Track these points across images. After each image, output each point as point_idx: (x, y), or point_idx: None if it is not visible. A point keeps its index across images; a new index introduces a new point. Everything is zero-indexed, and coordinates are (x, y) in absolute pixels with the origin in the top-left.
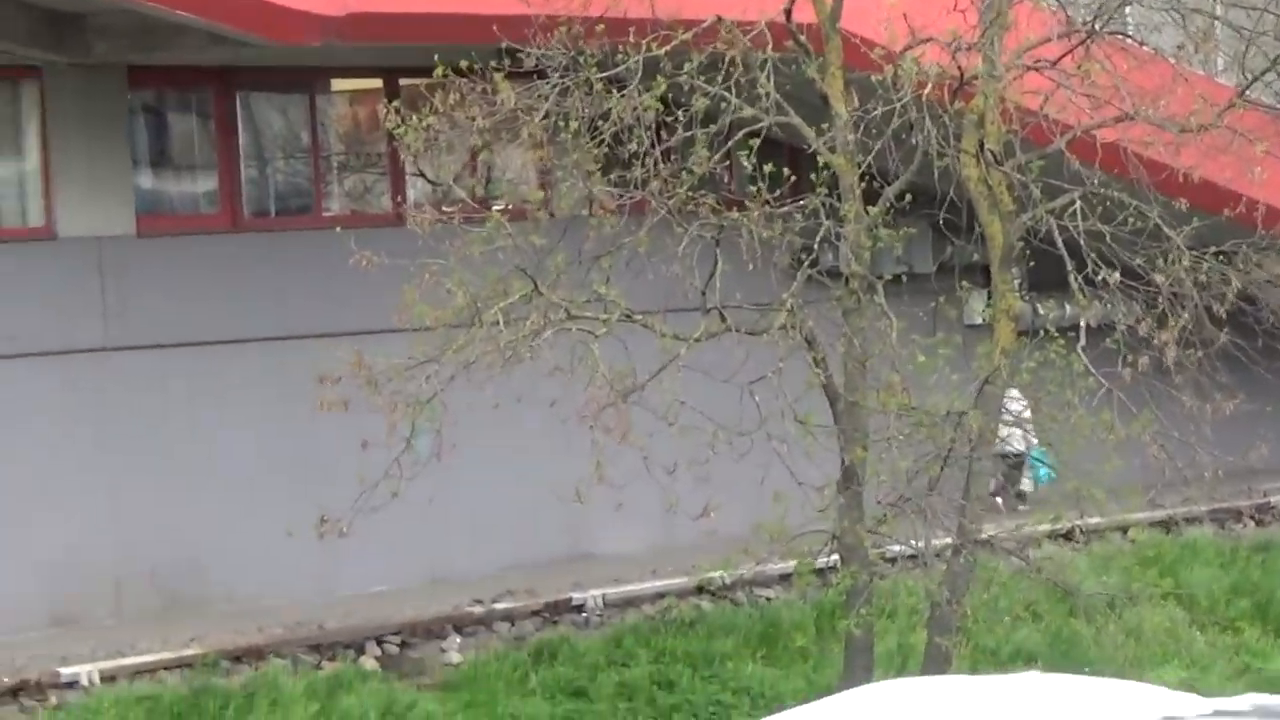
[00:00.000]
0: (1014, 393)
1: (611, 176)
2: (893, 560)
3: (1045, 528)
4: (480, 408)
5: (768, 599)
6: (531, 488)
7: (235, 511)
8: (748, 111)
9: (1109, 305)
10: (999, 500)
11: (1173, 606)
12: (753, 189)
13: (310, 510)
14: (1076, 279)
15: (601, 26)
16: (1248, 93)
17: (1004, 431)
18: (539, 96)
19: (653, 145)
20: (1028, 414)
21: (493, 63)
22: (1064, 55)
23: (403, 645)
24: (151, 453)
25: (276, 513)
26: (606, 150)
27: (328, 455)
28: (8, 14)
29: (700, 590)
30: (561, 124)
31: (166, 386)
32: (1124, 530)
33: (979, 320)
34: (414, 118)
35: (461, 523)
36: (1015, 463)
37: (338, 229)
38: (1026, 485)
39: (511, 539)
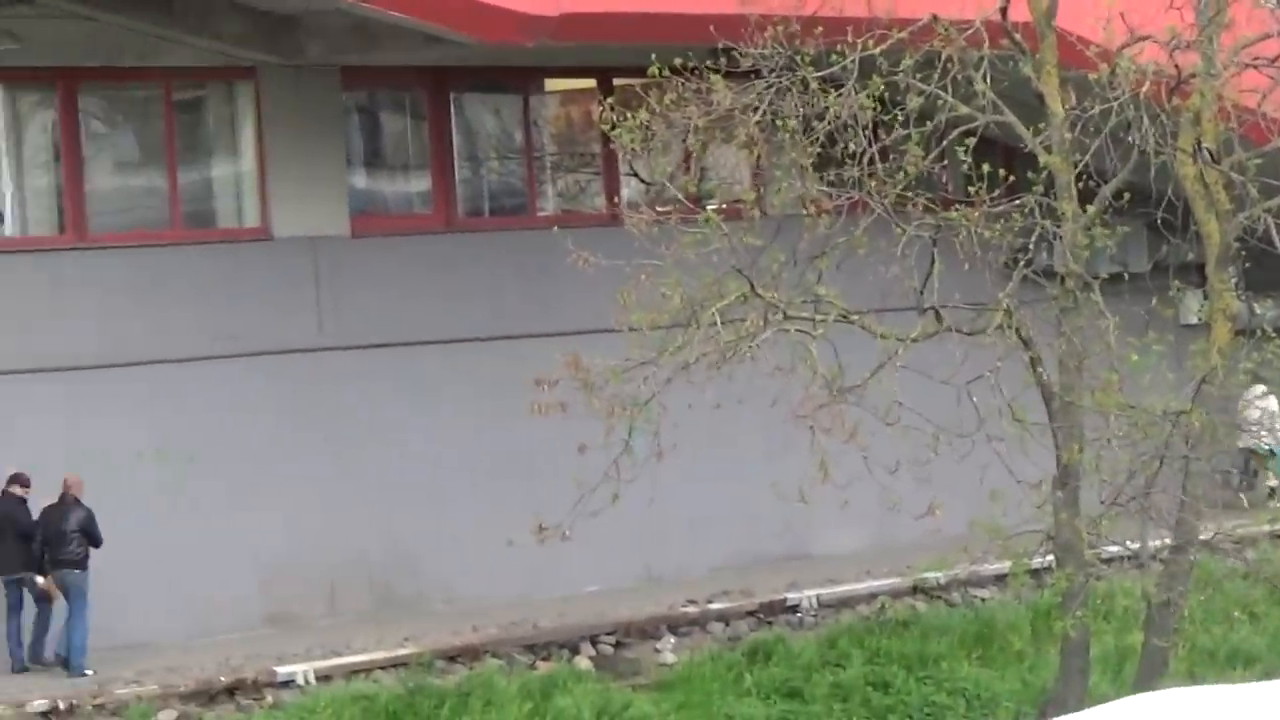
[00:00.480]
0: (1259, 389)
1: (827, 175)
2: (1109, 561)
3: (1266, 528)
4: (698, 408)
5: (983, 599)
6: (747, 487)
7: (449, 511)
8: (963, 110)
9: None
10: (1242, 497)
11: None
12: (969, 188)
13: (524, 510)
14: None
15: (819, 27)
16: None
17: (1253, 425)
18: (755, 96)
19: (869, 144)
20: (1275, 408)
21: (708, 62)
22: None
23: (617, 645)
24: (366, 452)
25: (490, 512)
26: (821, 149)
27: (542, 454)
28: (222, 16)
29: (915, 590)
30: (777, 123)
31: (381, 386)
32: None
33: (1194, 320)
34: (629, 117)
35: (677, 522)
36: (1263, 460)
37: (554, 229)
38: (1275, 482)
39: (727, 539)
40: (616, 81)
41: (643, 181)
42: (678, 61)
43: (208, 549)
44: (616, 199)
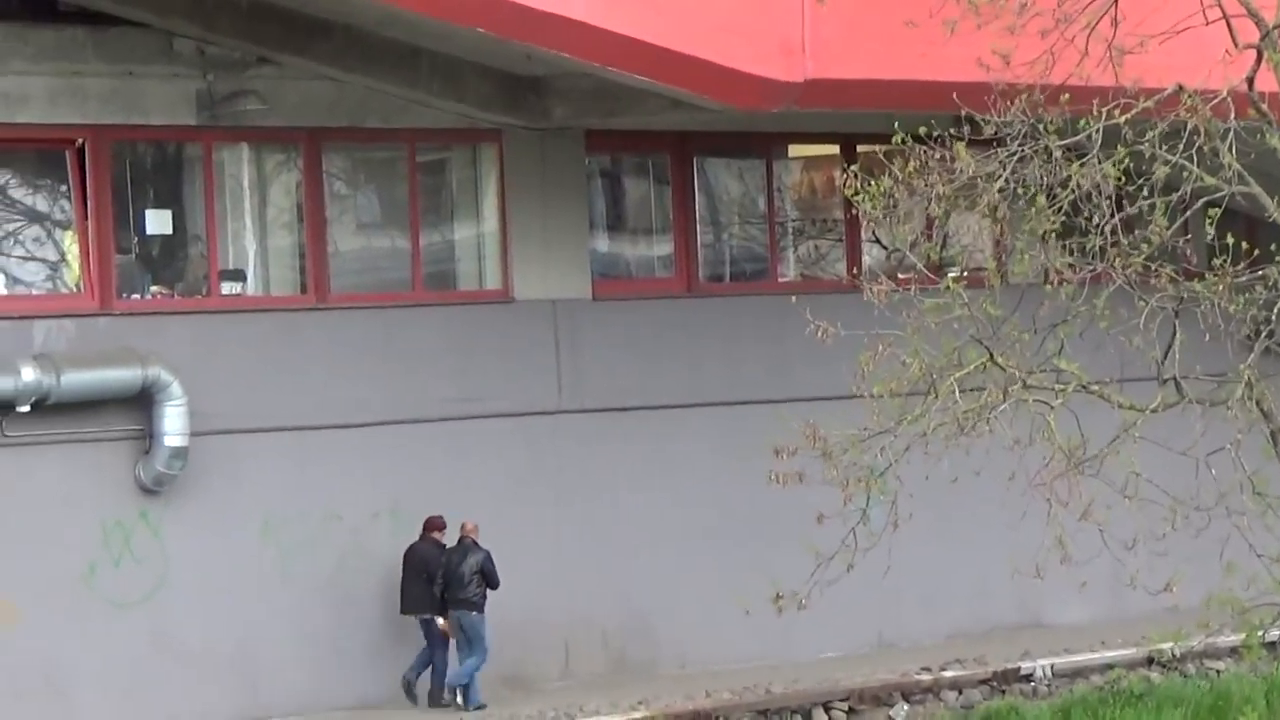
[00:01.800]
0: None
1: (1069, 245)
2: None
3: None
4: (934, 478)
5: (1217, 671)
6: (982, 557)
7: (684, 575)
8: (1208, 181)
9: None
10: None
11: None
12: (1212, 260)
13: (759, 576)
14: None
15: (1065, 95)
16: None
17: None
18: (998, 164)
19: (1112, 214)
20: None
21: (952, 129)
22: None
23: (850, 711)
24: (601, 514)
25: (725, 578)
26: (1064, 219)
27: (778, 521)
28: (467, 79)
29: (1150, 662)
30: (1020, 191)
31: (618, 449)
32: None
33: None
34: (872, 184)
35: (912, 590)
36: None
37: (793, 298)
38: None
39: (961, 607)
40: (860, 148)
41: (884, 248)
42: (921, 129)
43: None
44: (856, 269)
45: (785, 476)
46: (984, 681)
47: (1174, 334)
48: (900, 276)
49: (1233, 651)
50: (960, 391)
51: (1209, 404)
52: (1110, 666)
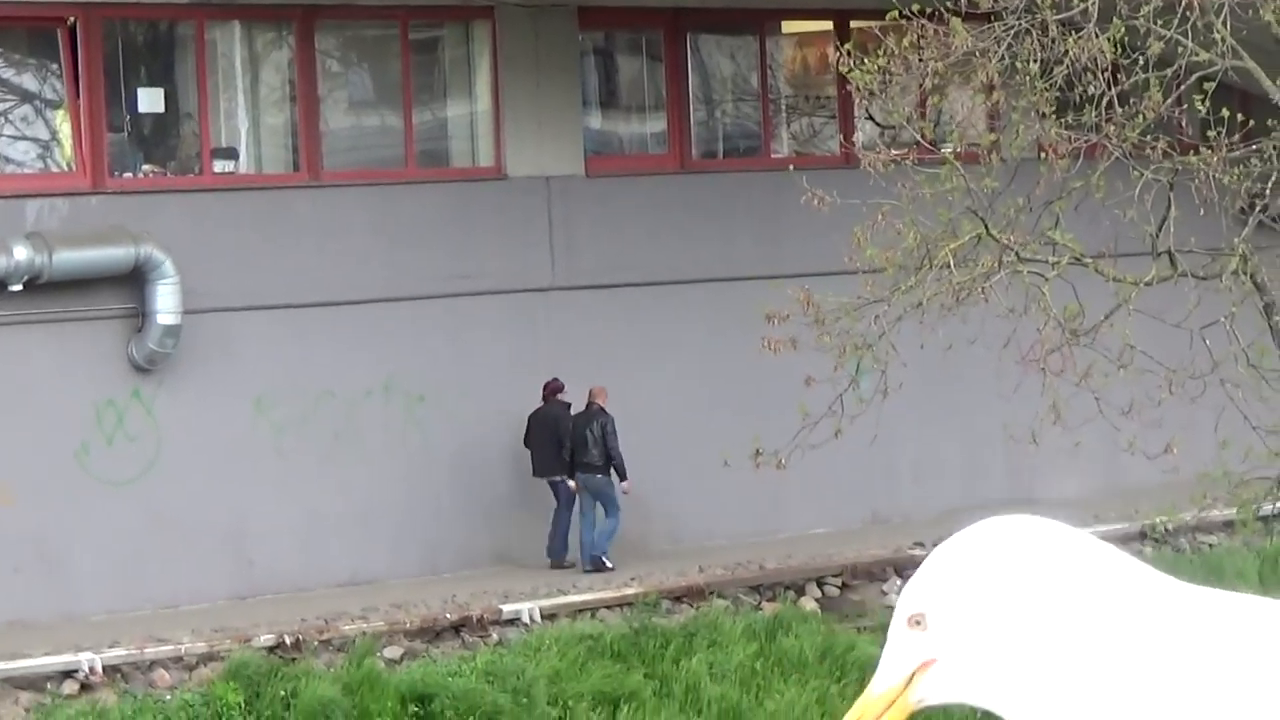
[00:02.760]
0: None
1: (1064, 119)
2: None
3: None
4: (929, 349)
5: (1210, 545)
6: (975, 429)
7: (676, 450)
8: (1203, 55)
9: None
10: None
11: None
12: (1207, 134)
13: (751, 449)
14: None
15: None
16: None
17: None
18: (993, 39)
19: (1107, 88)
20: None
21: (947, 4)
22: None
23: (843, 587)
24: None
25: (718, 453)
26: (1059, 93)
27: (770, 396)
28: None
29: (1143, 536)
30: (1016, 66)
31: (611, 325)
32: None
33: None
34: (867, 60)
35: (905, 466)
36: None
37: (790, 168)
38: None
39: (954, 482)
40: (854, 24)
41: (878, 125)
42: (916, 4)
43: (433, 488)
44: (850, 142)
45: (777, 343)
46: None
47: (1169, 207)
48: (895, 151)
49: (1226, 526)
50: (955, 263)
51: (1203, 277)
52: (1105, 540)
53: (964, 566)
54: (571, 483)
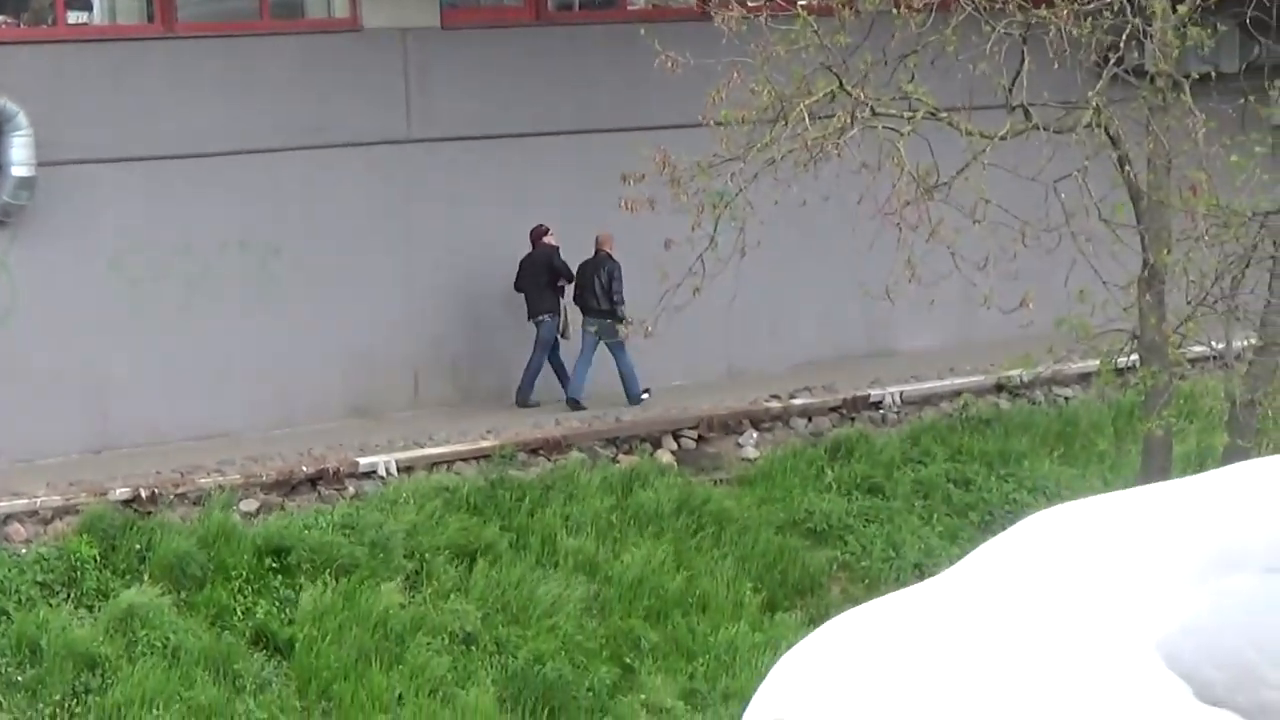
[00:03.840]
0: None
1: None
2: (1194, 361)
3: None
4: (784, 206)
5: (1066, 398)
6: (832, 284)
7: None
8: None
9: None
10: None
11: None
12: None
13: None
14: None
15: None
16: None
17: None
18: None
19: None
20: None
21: None
22: None
23: (699, 440)
24: (451, 244)
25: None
26: None
27: (630, 250)
28: None
29: (999, 388)
30: None
31: (468, 178)
32: None
33: None
34: None
35: (761, 319)
36: None
37: (641, 30)
38: None
39: (811, 335)
40: None
41: None
42: None
43: (290, 340)
44: None
45: (634, 203)
46: (833, 409)
47: (1022, 61)
48: (750, 4)
49: (1082, 378)
50: (811, 119)
51: (1058, 131)
52: (959, 394)
53: (819, 668)
54: (560, 322)
